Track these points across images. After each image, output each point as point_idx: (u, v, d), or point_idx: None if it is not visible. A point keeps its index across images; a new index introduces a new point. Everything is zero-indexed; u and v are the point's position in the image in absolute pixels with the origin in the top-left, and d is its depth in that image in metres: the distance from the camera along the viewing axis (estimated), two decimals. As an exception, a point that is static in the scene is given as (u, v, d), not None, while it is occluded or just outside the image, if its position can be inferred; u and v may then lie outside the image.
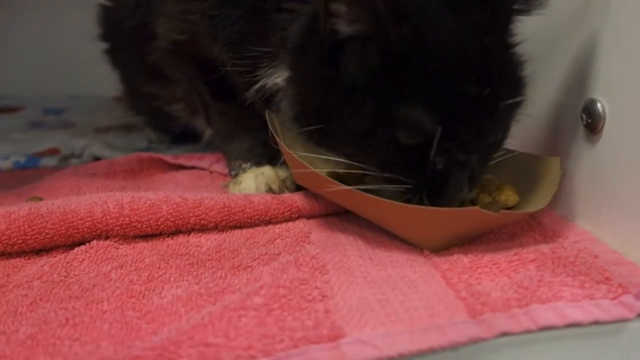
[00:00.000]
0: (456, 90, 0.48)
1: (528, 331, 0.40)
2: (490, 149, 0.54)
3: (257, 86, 0.62)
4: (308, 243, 0.55)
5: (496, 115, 0.51)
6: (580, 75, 0.56)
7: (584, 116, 0.54)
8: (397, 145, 0.50)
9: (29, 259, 0.52)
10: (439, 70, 0.48)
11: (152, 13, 0.74)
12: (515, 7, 0.53)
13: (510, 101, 0.51)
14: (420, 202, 0.51)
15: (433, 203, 0.51)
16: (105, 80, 1.07)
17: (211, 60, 0.67)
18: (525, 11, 0.54)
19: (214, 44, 0.65)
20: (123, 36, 0.88)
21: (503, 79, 0.50)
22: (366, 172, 0.58)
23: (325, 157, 0.57)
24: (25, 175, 0.83)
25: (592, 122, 0.53)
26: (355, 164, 0.54)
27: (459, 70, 0.48)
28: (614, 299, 0.42)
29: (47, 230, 0.52)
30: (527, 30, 0.56)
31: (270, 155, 0.70)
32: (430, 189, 0.51)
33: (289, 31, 0.57)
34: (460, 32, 0.49)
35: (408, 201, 0.52)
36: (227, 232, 0.58)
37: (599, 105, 0.52)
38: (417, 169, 0.51)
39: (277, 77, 0.60)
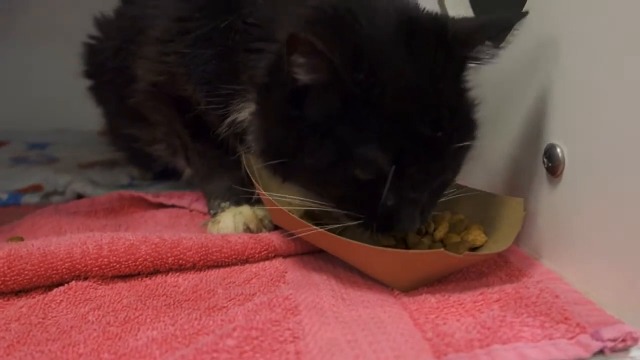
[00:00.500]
0: (410, 132, 0.51)
1: (489, 371, 0.41)
2: (441, 186, 0.57)
3: (228, 120, 0.64)
4: (283, 283, 0.56)
5: (447, 157, 0.54)
6: (541, 121, 0.59)
7: (545, 160, 0.57)
8: (353, 181, 0.53)
9: (8, 300, 0.53)
10: (394, 113, 0.51)
11: (132, 56, 0.76)
12: (469, 54, 0.56)
13: (461, 144, 0.54)
14: (373, 234, 0.55)
15: (385, 234, 0.55)
16: (90, 115, 1.09)
17: (188, 100, 0.69)
18: (478, 59, 0.57)
19: (188, 83, 0.68)
20: (105, 76, 0.90)
21: (455, 123, 0.53)
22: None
23: (300, 198, 0.59)
24: (7, 212, 0.83)
25: (553, 166, 0.56)
26: (313, 200, 0.57)
27: (413, 113, 0.51)
28: (571, 338, 0.44)
29: (26, 272, 0.54)
30: (490, 77, 0.59)
31: (248, 195, 0.72)
32: (384, 222, 0.54)
33: (256, 69, 0.59)
34: (416, 76, 0.52)
35: (362, 233, 0.55)
36: (204, 271, 0.59)
37: (558, 150, 0.55)
38: (370, 204, 0.53)
39: (247, 111, 0.62)
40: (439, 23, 0.56)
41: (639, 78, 0.46)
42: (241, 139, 0.66)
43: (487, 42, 0.56)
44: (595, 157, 0.52)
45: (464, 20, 0.59)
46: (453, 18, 0.58)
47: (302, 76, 0.52)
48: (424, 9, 0.59)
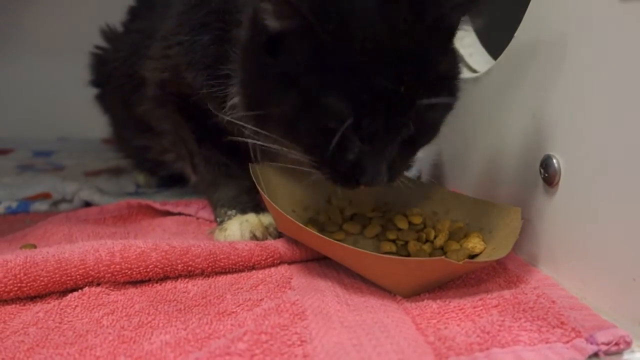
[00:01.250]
0: (371, 84, 0.53)
1: (488, 373, 0.43)
2: (411, 144, 0.59)
3: (229, 103, 0.66)
4: (289, 289, 0.58)
5: (410, 112, 0.55)
6: (538, 133, 0.61)
7: (542, 170, 0.59)
8: (318, 131, 0.55)
9: (24, 305, 0.55)
10: (358, 65, 0.53)
11: (141, 60, 0.79)
12: (443, 13, 0.56)
13: (429, 100, 0.54)
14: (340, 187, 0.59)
15: (352, 187, 0.58)
16: (93, 123, 1.11)
17: (193, 100, 0.71)
18: (452, 22, 0.58)
19: (188, 70, 0.69)
20: (113, 84, 0.92)
21: (421, 78, 0.54)
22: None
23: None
24: (17, 219, 0.85)
25: (549, 176, 0.58)
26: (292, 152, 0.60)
27: (376, 66, 0.53)
28: (567, 342, 0.46)
29: (41, 278, 0.55)
30: (487, 88, 0.61)
31: (254, 202, 0.74)
32: (349, 175, 0.57)
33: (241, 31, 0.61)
34: (384, 30, 0.53)
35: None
36: (213, 277, 0.61)
37: (554, 161, 0.57)
38: (335, 156, 0.56)
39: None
40: None
41: (634, 89, 0.48)
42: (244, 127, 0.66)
43: (462, 5, 0.57)
44: (590, 168, 0.54)
45: None
46: None
47: (271, 22, 0.54)
48: None
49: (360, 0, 0.54)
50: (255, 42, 0.58)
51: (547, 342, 0.46)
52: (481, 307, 0.51)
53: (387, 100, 0.53)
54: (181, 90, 0.73)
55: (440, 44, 0.58)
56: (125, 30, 0.95)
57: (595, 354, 0.45)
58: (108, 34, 0.99)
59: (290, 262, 0.65)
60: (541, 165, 0.59)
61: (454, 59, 0.61)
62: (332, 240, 0.56)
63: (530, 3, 0.63)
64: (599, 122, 0.53)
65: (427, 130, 0.60)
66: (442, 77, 0.57)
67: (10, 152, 1.31)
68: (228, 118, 0.66)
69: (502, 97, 0.67)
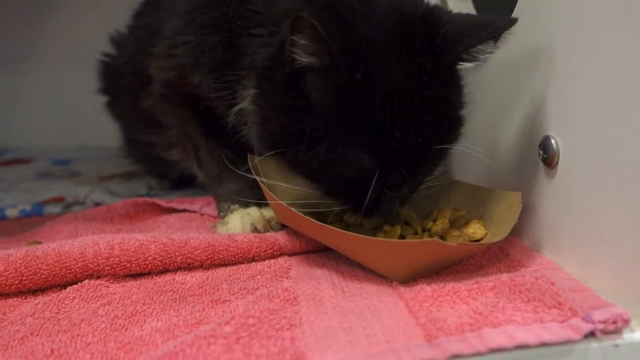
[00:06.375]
0: (395, 139, 0.54)
1: (478, 353, 0.42)
2: (421, 180, 0.61)
3: (236, 109, 0.67)
4: (286, 278, 0.58)
5: (428, 158, 0.58)
6: (536, 114, 0.59)
7: (540, 152, 0.58)
8: (343, 178, 0.57)
9: (25, 298, 0.56)
10: (382, 119, 0.54)
11: (147, 57, 0.79)
12: (458, 57, 0.57)
13: (444, 146, 0.57)
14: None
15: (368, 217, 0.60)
16: (112, 130, 1.13)
17: (198, 97, 0.72)
18: (467, 60, 0.59)
19: (195, 72, 0.70)
20: (120, 86, 0.94)
21: (439, 127, 0.56)
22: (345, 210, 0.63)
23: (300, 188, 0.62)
24: (30, 222, 0.87)
25: (548, 158, 0.57)
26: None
27: (399, 122, 0.54)
28: (562, 322, 0.44)
29: (42, 271, 0.56)
30: (485, 70, 0.60)
31: (257, 197, 0.74)
32: (368, 209, 0.58)
33: (256, 54, 0.62)
34: (404, 85, 0.54)
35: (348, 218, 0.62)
36: (212, 270, 0.61)
37: (553, 141, 0.56)
38: (356, 195, 0.57)
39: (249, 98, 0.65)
40: (431, 22, 0.57)
41: (633, 69, 0.47)
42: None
43: (478, 47, 0.57)
44: (589, 148, 0.52)
45: (457, 18, 0.60)
46: (447, 15, 0.60)
47: (301, 57, 0.54)
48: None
49: (383, 49, 0.54)
50: (279, 73, 0.58)
51: (541, 322, 0.44)
52: (477, 290, 0.50)
53: (409, 154, 0.55)
54: (188, 90, 0.74)
55: (454, 85, 0.59)
56: (130, 30, 0.96)
57: (592, 333, 0.43)
58: (117, 39, 1.00)
59: (291, 254, 0.64)
60: (540, 146, 0.58)
61: (461, 90, 0.60)
62: (328, 227, 0.56)
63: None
64: (596, 101, 0.51)
65: (436, 166, 0.62)
66: (455, 120, 0.59)
67: (30, 161, 1.34)
68: (233, 123, 0.68)
69: (499, 78, 0.66)
